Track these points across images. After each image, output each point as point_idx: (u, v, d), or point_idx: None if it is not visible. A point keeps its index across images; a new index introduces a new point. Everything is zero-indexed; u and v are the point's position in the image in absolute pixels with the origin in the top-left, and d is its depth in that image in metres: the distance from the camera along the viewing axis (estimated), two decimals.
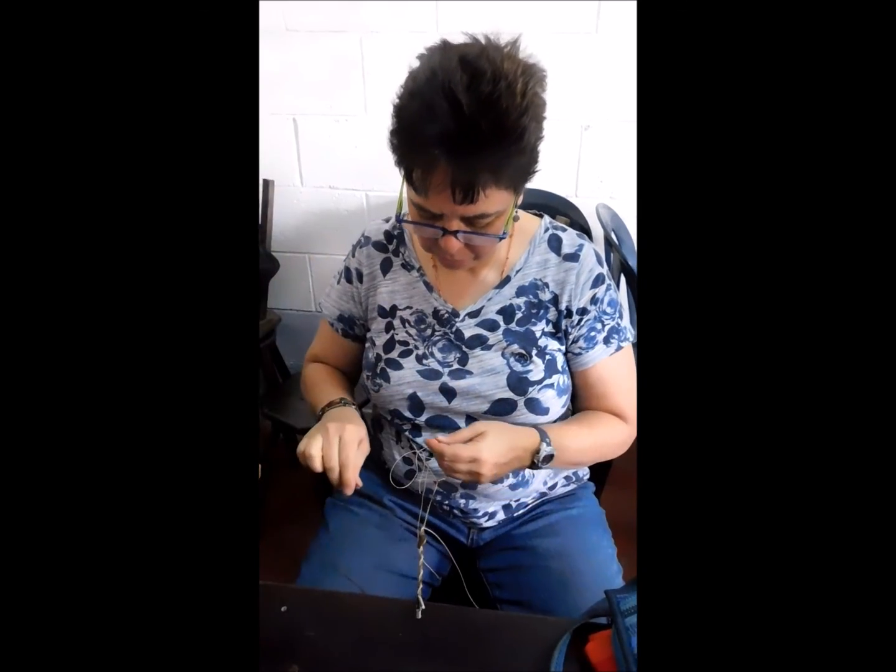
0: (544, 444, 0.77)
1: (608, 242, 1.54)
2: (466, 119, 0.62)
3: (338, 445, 0.72)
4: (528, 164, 0.70)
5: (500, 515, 0.90)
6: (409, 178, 0.70)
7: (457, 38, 0.68)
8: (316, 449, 0.72)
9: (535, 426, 0.80)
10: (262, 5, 1.58)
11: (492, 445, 0.72)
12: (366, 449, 0.76)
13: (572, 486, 0.96)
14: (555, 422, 0.91)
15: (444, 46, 0.67)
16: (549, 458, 0.78)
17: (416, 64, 0.67)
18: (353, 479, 0.72)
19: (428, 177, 0.66)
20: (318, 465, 0.72)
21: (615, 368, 0.86)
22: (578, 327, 0.84)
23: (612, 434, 0.86)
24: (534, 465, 0.78)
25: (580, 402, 0.91)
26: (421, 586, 0.66)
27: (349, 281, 0.92)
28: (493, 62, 0.63)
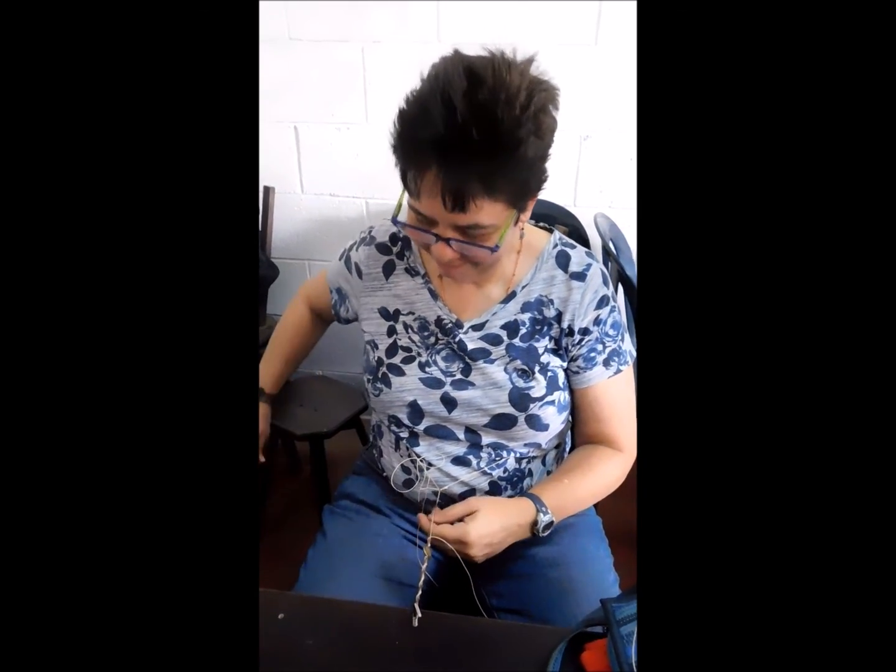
0: (541, 515, 0.77)
1: (606, 252, 1.54)
2: (458, 125, 0.62)
3: None
4: (526, 179, 0.69)
5: None
6: (404, 178, 0.70)
7: (465, 49, 0.68)
8: None
9: (529, 494, 0.79)
10: (266, 14, 1.59)
11: (480, 526, 0.72)
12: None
13: None
14: (553, 448, 0.92)
15: (455, 55, 0.67)
16: (550, 524, 0.78)
17: (426, 71, 0.68)
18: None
19: (420, 180, 0.67)
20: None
21: (613, 392, 0.85)
22: (579, 347, 0.83)
23: (608, 472, 0.86)
24: (535, 535, 0.78)
25: (577, 424, 0.91)
26: (420, 592, 0.66)
27: (349, 270, 0.94)
28: (497, 73, 0.63)
